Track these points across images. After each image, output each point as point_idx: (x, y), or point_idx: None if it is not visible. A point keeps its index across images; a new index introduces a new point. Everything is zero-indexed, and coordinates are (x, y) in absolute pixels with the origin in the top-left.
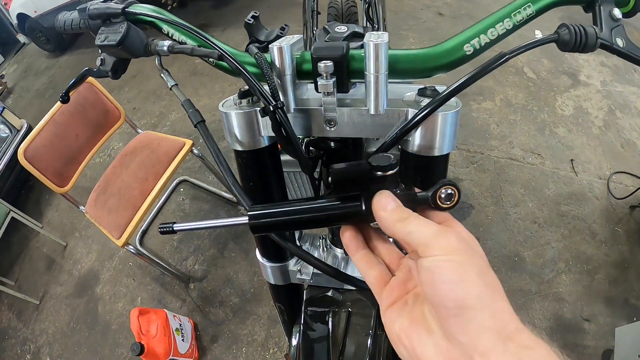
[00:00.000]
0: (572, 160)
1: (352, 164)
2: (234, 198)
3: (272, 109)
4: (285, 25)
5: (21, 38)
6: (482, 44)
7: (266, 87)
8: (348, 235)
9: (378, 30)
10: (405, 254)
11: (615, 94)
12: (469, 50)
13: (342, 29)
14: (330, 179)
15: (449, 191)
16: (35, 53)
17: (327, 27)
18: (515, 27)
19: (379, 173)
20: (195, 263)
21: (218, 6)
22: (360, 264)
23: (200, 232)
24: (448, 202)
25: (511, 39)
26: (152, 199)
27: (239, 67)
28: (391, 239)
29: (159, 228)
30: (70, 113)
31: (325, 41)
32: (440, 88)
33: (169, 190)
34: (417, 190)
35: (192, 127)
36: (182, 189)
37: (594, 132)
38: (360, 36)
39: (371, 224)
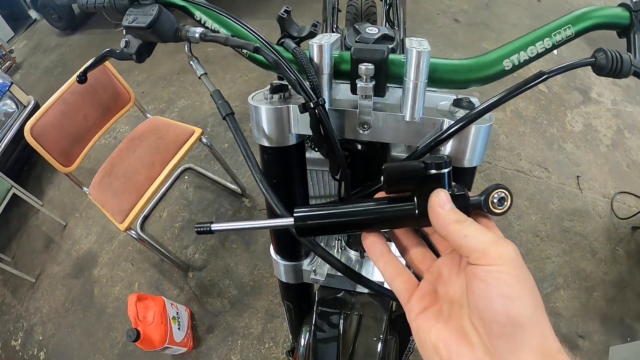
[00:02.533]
0: (578, 176)
1: (406, 162)
2: (239, 189)
3: (312, 105)
4: (317, 22)
5: (33, 14)
6: (521, 61)
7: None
8: (371, 240)
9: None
10: (438, 256)
11: (625, 113)
12: (508, 66)
13: (373, 30)
14: (382, 178)
15: (502, 195)
16: (46, 30)
17: (357, 27)
18: (554, 47)
19: (433, 171)
20: (195, 252)
21: None
22: (386, 269)
23: (202, 221)
24: (500, 207)
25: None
26: (158, 185)
27: (280, 60)
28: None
29: (196, 228)
30: (80, 93)
31: (356, 42)
32: (474, 100)
33: (173, 177)
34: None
35: (201, 115)
36: (186, 177)
37: (602, 150)
38: (391, 39)
39: (421, 228)
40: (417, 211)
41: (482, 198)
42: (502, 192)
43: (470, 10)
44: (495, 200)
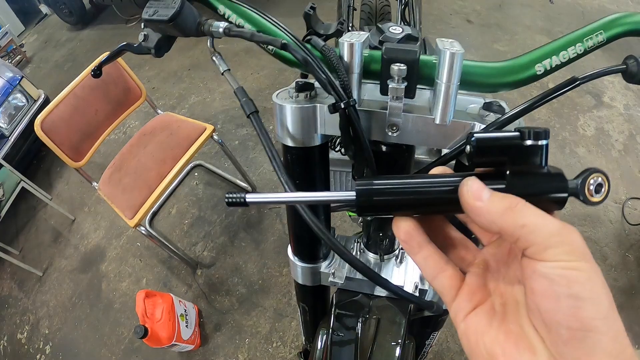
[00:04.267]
0: None
1: (498, 131)
2: (249, 187)
3: (343, 105)
4: (343, 19)
5: (43, 9)
6: (553, 65)
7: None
8: (407, 229)
9: None
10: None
11: (637, 118)
12: (540, 70)
13: (397, 30)
14: (469, 148)
15: (599, 180)
16: (56, 25)
17: (380, 26)
18: (586, 52)
19: (529, 142)
20: (204, 249)
21: None
22: (427, 264)
23: (212, 218)
24: (598, 195)
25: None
26: (168, 181)
27: (310, 58)
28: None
29: (226, 198)
30: (91, 87)
31: (380, 41)
32: (503, 103)
33: (183, 173)
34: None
35: (211, 112)
36: (196, 174)
37: (613, 155)
38: (415, 39)
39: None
40: (507, 188)
41: (578, 182)
42: (600, 176)
43: (482, 12)
44: (592, 187)
